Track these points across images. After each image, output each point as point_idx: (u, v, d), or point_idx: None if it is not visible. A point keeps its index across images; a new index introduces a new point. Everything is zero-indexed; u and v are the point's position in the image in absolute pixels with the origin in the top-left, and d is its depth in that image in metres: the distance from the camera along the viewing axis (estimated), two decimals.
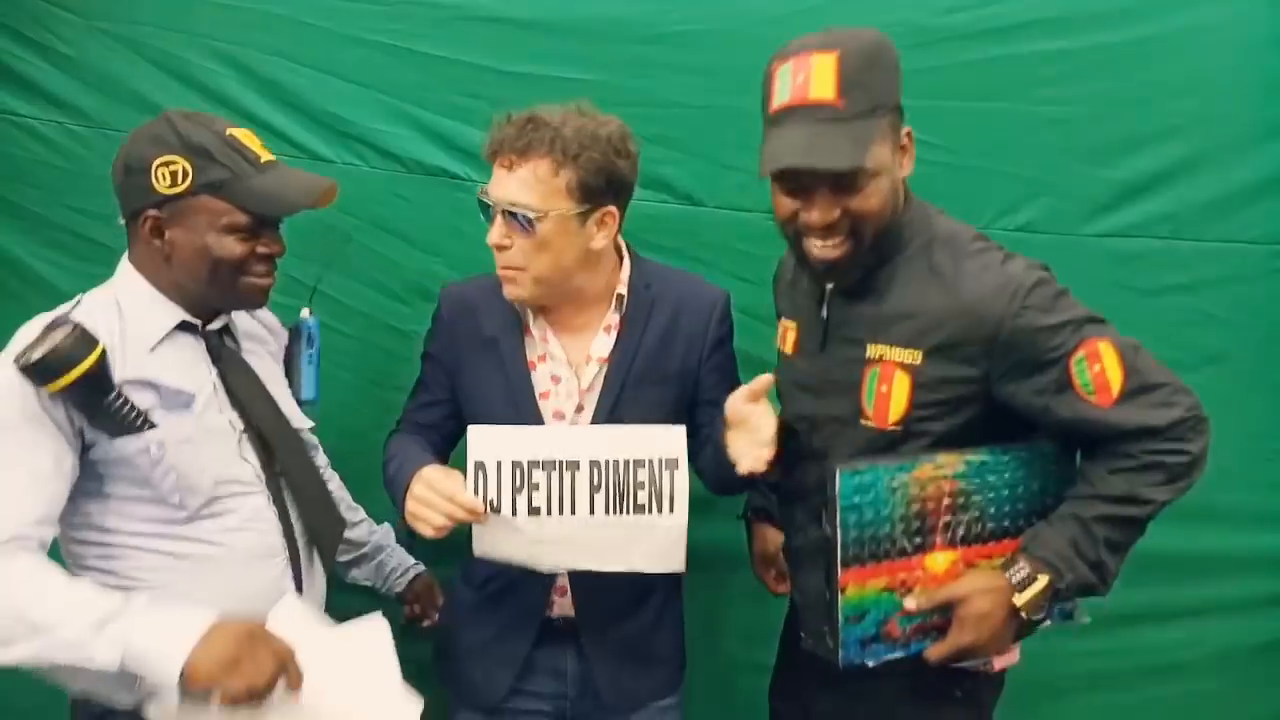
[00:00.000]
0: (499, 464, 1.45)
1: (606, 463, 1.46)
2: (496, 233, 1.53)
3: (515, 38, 1.94)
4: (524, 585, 1.64)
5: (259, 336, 1.61)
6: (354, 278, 1.99)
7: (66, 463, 1.32)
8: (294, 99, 1.96)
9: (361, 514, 1.81)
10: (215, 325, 1.48)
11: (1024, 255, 1.42)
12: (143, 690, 1.28)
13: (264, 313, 1.64)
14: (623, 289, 1.63)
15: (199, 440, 1.39)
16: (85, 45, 1.93)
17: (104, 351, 1.31)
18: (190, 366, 1.43)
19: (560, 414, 1.63)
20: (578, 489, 1.45)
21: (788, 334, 1.60)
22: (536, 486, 1.44)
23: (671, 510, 1.46)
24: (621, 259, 1.66)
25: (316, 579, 1.54)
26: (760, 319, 1.82)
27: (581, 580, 1.62)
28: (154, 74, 1.94)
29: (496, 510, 1.45)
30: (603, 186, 1.52)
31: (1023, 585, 1.37)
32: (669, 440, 1.47)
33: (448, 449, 1.75)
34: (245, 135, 1.44)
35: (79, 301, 1.41)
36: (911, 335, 1.39)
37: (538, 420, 1.60)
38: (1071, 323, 1.35)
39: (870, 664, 1.42)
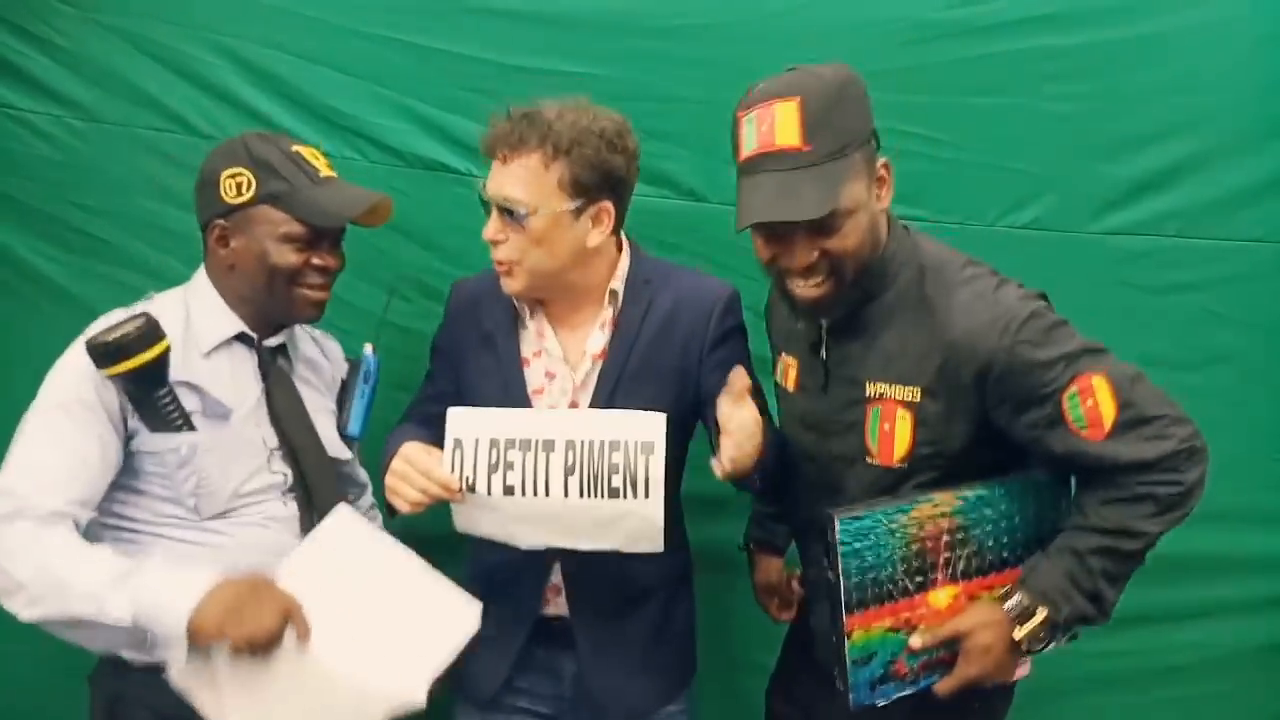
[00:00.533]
0: (476, 441, 1.45)
1: (582, 444, 1.44)
2: (491, 227, 1.53)
3: (515, 31, 1.93)
4: (518, 583, 1.63)
5: (317, 365, 1.68)
6: (352, 272, 1.96)
7: (112, 451, 1.40)
8: (292, 92, 1.94)
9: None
10: (272, 342, 1.56)
11: (1018, 283, 1.40)
12: (153, 646, 1.32)
13: (331, 343, 1.73)
14: (617, 284, 1.62)
15: (228, 452, 1.46)
16: (84, 39, 1.91)
17: (168, 347, 1.40)
18: (238, 377, 1.51)
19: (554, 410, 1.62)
20: (551, 470, 1.44)
21: (789, 371, 1.60)
22: (511, 466, 1.44)
23: (647, 495, 1.44)
24: (622, 252, 1.65)
25: None
26: (759, 315, 1.81)
27: (576, 579, 1.61)
28: (152, 67, 1.93)
29: (473, 489, 1.45)
30: (597, 182, 1.50)
31: (1021, 618, 1.38)
32: (648, 425, 1.44)
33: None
34: (310, 152, 1.54)
35: (152, 297, 1.52)
36: (907, 372, 1.40)
37: None
38: (1065, 357, 1.34)
39: (880, 704, 1.43)
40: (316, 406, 1.62)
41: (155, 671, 1.35)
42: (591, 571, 1.55)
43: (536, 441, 1.45)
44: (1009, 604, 1.39)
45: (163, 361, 1.40)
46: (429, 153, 1.97)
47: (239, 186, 1.48)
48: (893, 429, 1.42)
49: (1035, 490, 1.46)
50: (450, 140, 1.97)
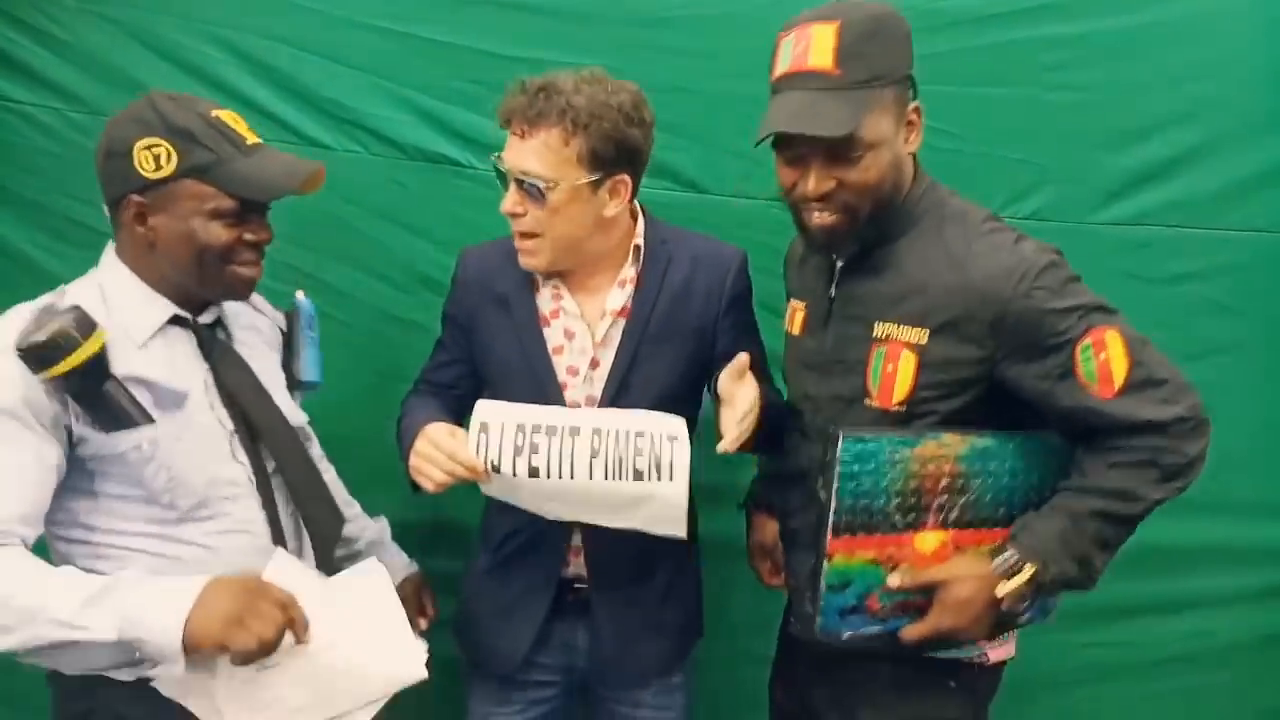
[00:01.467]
0: (503, 426, 1.46)
1: (607, 430, 1.45)
2: (510, 200, 1.52)
3: (517, 22, 1.92)
4: (541, 545, 1.64)
5: (253, 325, 1.56)
6: (353, 265, 1.98)
7: (52, 460, 1.28)
8: (293, 85, 1.94)
9: (356, 508, 1.78)
10: (206, 318, 1.44)
11: (1037, 238, 1.40)
12: (144, 660, 1.26)
13: (258, 299, 1.61)
14: (639, 240, 1.63)
15: (190, 439, 1.36)
16: (82, 31, 1.91)
17: (105, 338, 1.28)
18: (181, 362, 1.39)
19: (574, 370, 1.62)
20: (577, 454, 1.45)
21: (795, 314, 1.59)
22: (536, 449, 1.45)
23: (671, 479, 1.45)
24: (636, 219, 1.66)
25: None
26: (764, 307, 1.80)
27: (596, 540, 1.62)
28: (151, 59, 1.92)
29: (498, 470, 1.45)
30: (614, 155, 1.51)
31: (1008, 574, 1.36)
32: (671, 422, 1.46)
33: (463, 409, 1.73)
34: (230, 117, 1.39)
35: (63, 291, 1.36)
36: (918, 313, 1.38)
37: (550, 375, 1.61)
38: (1080, 308, 1.33)
39: (846, 634, 1.42)
40: (267, 373, 1.51)
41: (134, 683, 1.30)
42: (611, 532, 1.56)
43: (563, 428, 1.46)
44: (997, 560, 1.36)
45: (103, 354, 1.28)
46: (429, 144, 1.97)
47: (157, 159, 1.32)
48: (895, 370, 1.40)
49: (1045, 454, 1.43)
50: (450, 132, 1.96)
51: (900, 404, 1.40)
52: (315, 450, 1.71)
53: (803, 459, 1.52)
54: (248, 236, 1.39)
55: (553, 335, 1.63)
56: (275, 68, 1.93)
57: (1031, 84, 1.96)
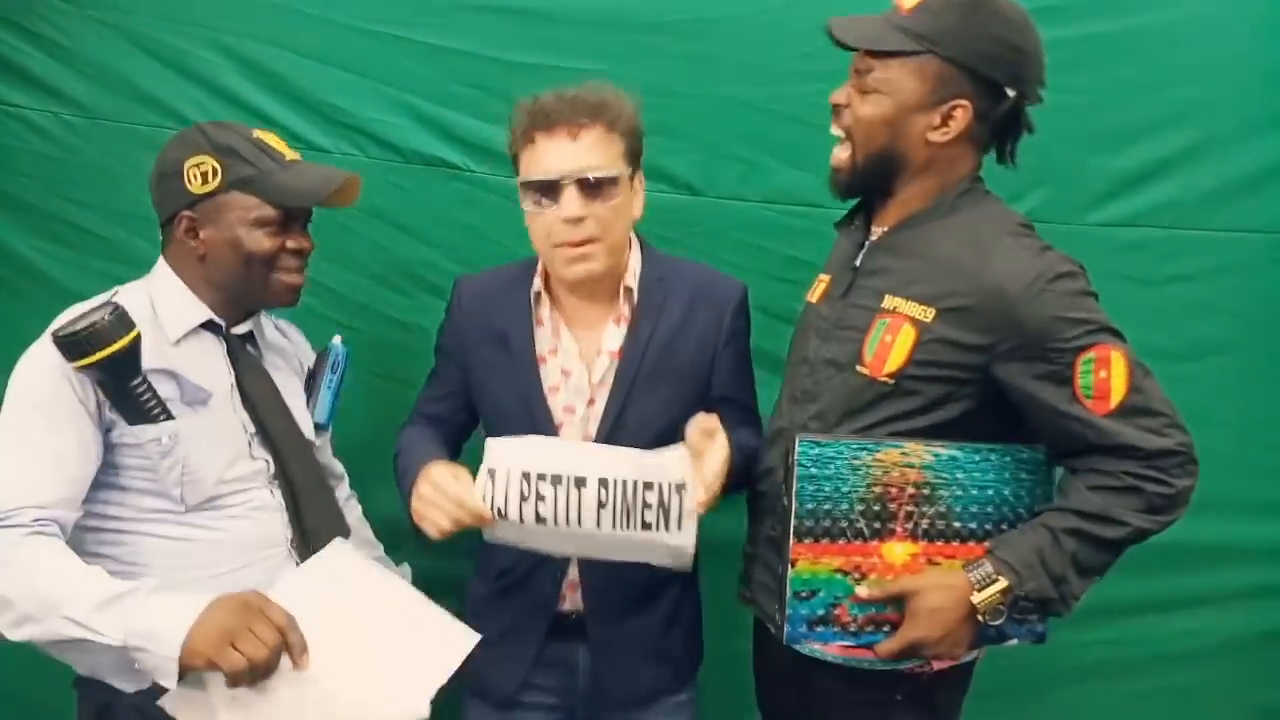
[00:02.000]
0: (509, 472, 1.43)
1: (615, 482, 1.43)
2: (574, 205, 1.48)
3: (515, 26, 1.92)
4: (536, 579, 1.64)
5: (283, 350, 1.66)
6: (351, 268, 1.98)
7: (92, 446, 1.37)
8: (291, 88, 1.94)
9: (379, 550, 1.79)
10: (240, 329, 1.53)
11: (1062, 251, 1.39)
12: (142, 673, 1.28)
13: (295, 331, 1.71)
14: (631, 281, 1.61)
15: (209, 437, 1.44)
16: (80, 35, 1.91)
17: (138, 336, 1.37)
18: (209, 364, 1.48)
19: (571, 408, 1.61)
20: (584, 504, 1.42)
21: (819, 285, 1.59)
22: (543, 498, 1.42)
23: (680, 528, 1.43)
24: (630, 247, 1.64)
25: None
26: (760, 310, 1.81)
27: (593, 575, 1.62)
28: (149, 63, 1.92)
29: (504, 516, 1.43)
30: (638, 150, 1.56)
31: (981, 585, 1.34)
32: (678, 465, 1.44)
33: (460, 440, 1.74)
34: (270, 137, 1.52)
35: (116, 292, 1.48)
36: (931, 292, 1.38)
37: (545, 414, 1.59)
38: (1090, 322, 1.32)
39: (817, 645, 1.40)
40: (288, 390, 1.59)
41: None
42: (608, 567, 1.55)
43: (569, 478, 1.42)
44: (973, 571, 1.35)
45: (134, 350, 1.37)
46: (427, 148, 1.97)
47: (204, 175, 1.45)
48: (893, 340, 1.39)
49: (1016, 466, 1.41)
50: (449, 136, 1.97)
51: (889, 375, 1.39)
52: (344, 491, 1.76)
53: (784, 420, 1.53)
54: (290, 244, 1.50)
55: (550, 374, 1.61)
56: (273, 72, 1.93)
57: None
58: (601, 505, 1.42)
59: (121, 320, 1.35)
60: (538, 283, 1.63)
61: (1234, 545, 2.13)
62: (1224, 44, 1.99)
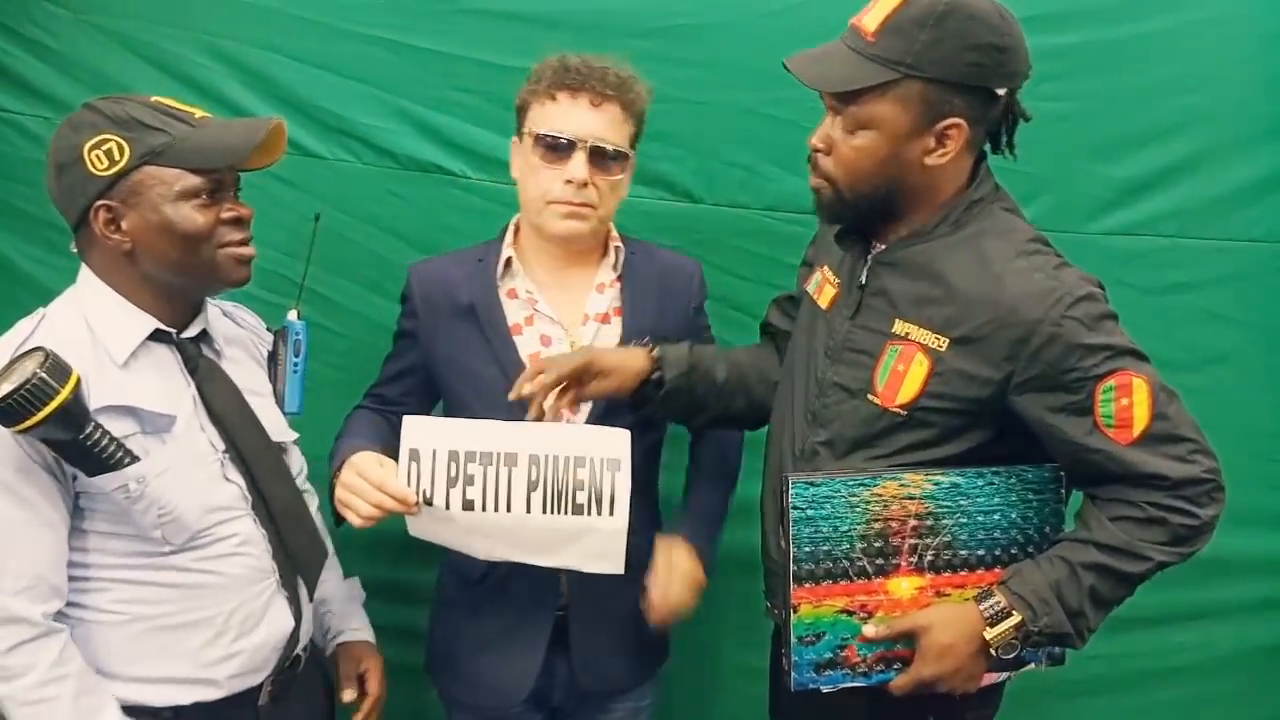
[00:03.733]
0: (434, 452, 1.40)
1: (546, 458, 1.41)
2: (583, 170, 1.51)
3: (511, 32, 1.91)
4: (530, 573, 1.60)
5: (238, 340, 1.51)
6: (347, 275, 1.97)
7: (63, 507, 1.26)
8: (287, 94, 1.93)
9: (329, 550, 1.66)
10: (191, 332, 1.38)
11: (1081, 269, 1.34)
12: None
13: (244, 312, 1.58)
14: (618, 243, 1.65)
15: (180, 467, 1.31)
16: (76, 40, 1.90)
17: (79, 381, 1.20)
18: (166, 381, 1.34)
19: None
20: (514, 485, 1.40)
21: (825, 288, 1.50)
22: (471, 480, 1.40)
23: (611, 513, 1.41)
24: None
25: (303, 599, 1.47)
26: (757, 317, 1.80)
27: None
28: (145, 69, 1.91)
29: (429, 502, 1.40)
30: (638, 137, 1.59)
31: (994, 620, 1.30)
32: (613, 441, 1.42)
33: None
34: (172, 100, 1.35)
35: (43, 316, 1.31)
36: (943, 320, 1.31)
37: None
38: (1111, 348, 1.26)
39: (826, 690, 1.36)
40: (252, 386, 1.46)
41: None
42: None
43: (498, 455, 1.40)
44: (985, 605, 1.30)
45: (78, 400, 1.19)
46: (423, 154, 1.95)
47: (109, 154, 1.26)
48: (906, 370, 1.33)
49: (1022, 488, 1.37)
50: (444, 142, 1.95)
51: (902, 407, 1.34)
52: (302, 482, 1.64)
53: (788, 432, 1.50)
54: (226, 214, 1.32)
55: (527, 342, 1.60)
56: (269, 77, 1.92)
57: (1027, 94, 1.93)
58: (532, 487, 1.40)
59: (57, 369, 1.17)
60: (509, 251, 1.62)
61: (1237, 558, 2.11)
62: (1225, 53, 1.98)
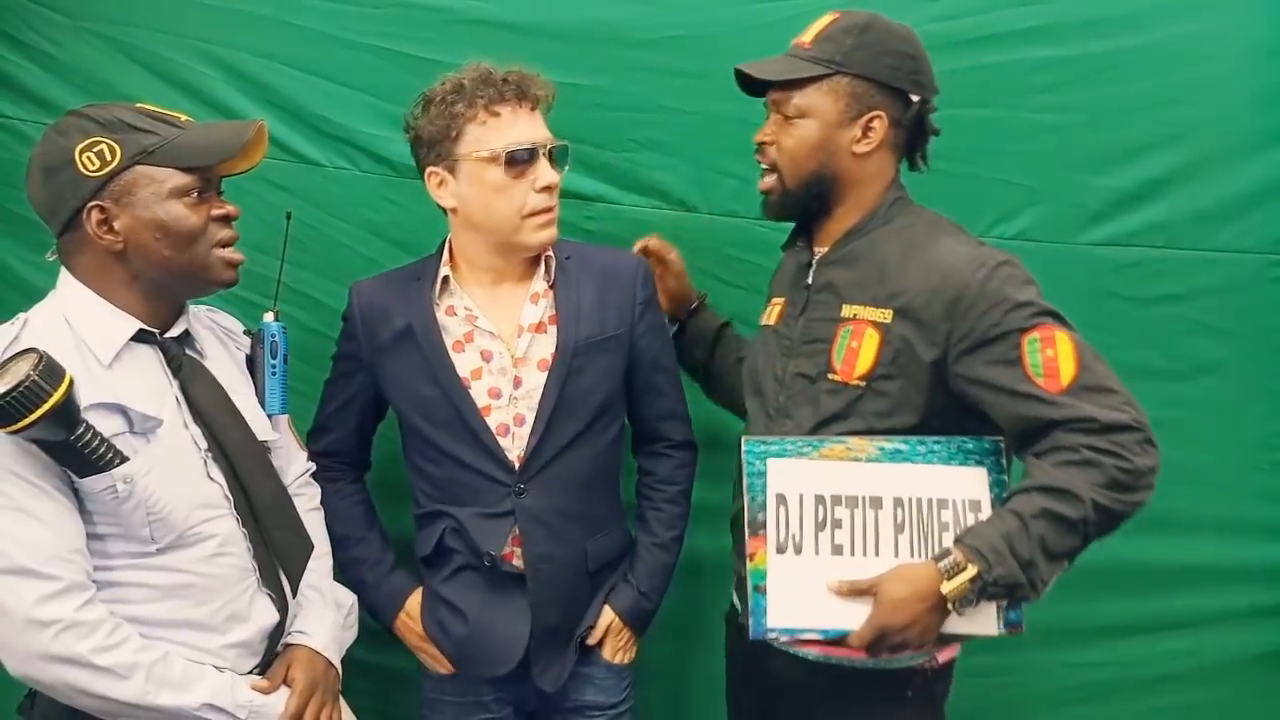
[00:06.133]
0: (800, 497, 1.41)
1: (910, 500, 1.41)
2: (552, 172, 1.56)
3: (507, 41, 1.92)
4: (484, 538, 1.64)
5: (219, 340, 1.53)
6: (344, 282, 1.96)
7: (70, 496, 1.28)
8: (284, 102, 1.94)
9: (326, 550, 1.65)
10: (174, 332, 1.40)
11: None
12: None
13: (222, 316, 1.59)
14: (548, 251, 1.65)
15: (166, 465, 1.32)
16: (74, 47, 1.91)
17: (72, 382, 1.21)
18: (150, 381, 1.35)
19: (496, 391, 1.62)
20: (881, 528, 1.40)
21: (774, 309, 1.64)
22: (839, 524, 1.40)
23: None
24: None
25: (288, 594, 1.48)
26: (750, 325, 1.81)
27: (541, 564, 1.64)
28: (143, 76, 1.92)
29: (799, 550, 1.40)
30: None
31: (950, 573, 1.34)
32: (973, 482, 1.43)
33: (366, 457, 1.81)
34: (154, 107, 1.40)
35: (26, 322, 1.32)
36: (885, 295, 1.45)
37: (468, 401, 1.60)
38: (1032, 305, 1.37)
39: (782, 639, 1.42)
40: (236, 387, 1.47)
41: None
42: (555, 556, 1.64)
43: (864, 498, 1.41)
44: (942, 562, 1.35)
45: (70, 400, 1.20)
46: None
47: (101, 156, 1.29)
48: (859, 346, 1.45)
49: (963, 457, 1.43)
50: None
51: (861, 378, 1.45)
52: (304, 479, 1.67)
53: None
54: (215, 212, 1.36)
55: (467, 360, 1.62)
56: (266, 84, 1.93)
57: (1018, 106, 1.98)
58: (899, 529, 1.40)
59: (50, 370, 1.18)
60: (445, 269, 1.64)
61: (1228, 566, 2.11)
62: (1216, 64, 1.99)
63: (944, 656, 1.52)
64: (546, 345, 1.63)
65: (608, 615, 1.72)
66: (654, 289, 1.75)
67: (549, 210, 1.56)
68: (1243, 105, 2.01)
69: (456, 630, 1.69)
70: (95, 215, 1.31)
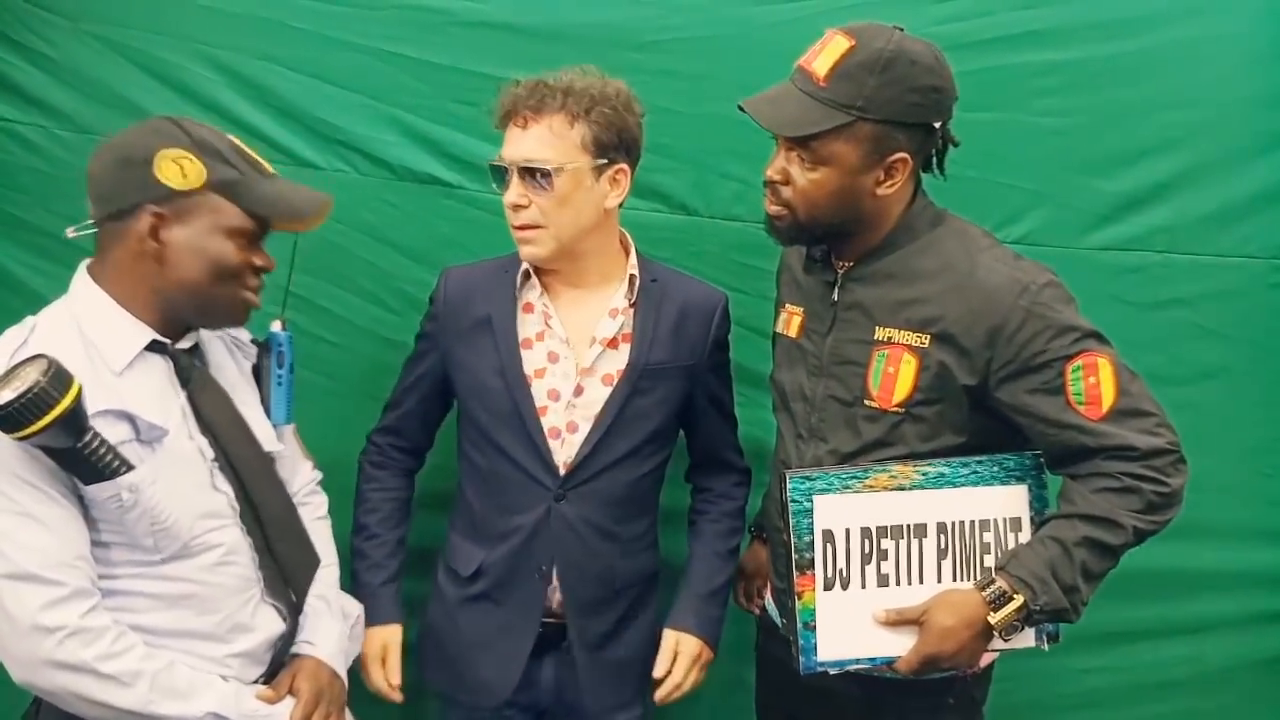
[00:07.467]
0: (847, 531, 1.41)
1: (952, 525, 1.42)
2: (514, 192, 1.53)
3: (507, 43, 1.92)
4: (518, 580, 1.65)
5: (226, 348, 1.52)
6: (342, 286, 1.96)
7: (76, 502, 1.27)
8: (282, 104, 1.93)
9: (336, 569, 1.62)
10: (184, 344, 1.40)
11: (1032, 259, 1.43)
12: None
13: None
14: (634, 270, 1.65)
15: (171, 475, 1.31)
16: (71, 48, 1.90)
17: (80, 389, 1.20)
18: (159, 390, 1.35)
19: (555, 394, 1.62)
20: (925, 556, 1.42)
21: (793, 319, 1.60)
22: (885, 555, 1.41)
23: None
24: (627, 247, 1.68)
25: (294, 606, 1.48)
26: (754, 330, 1.81)
27: (570, 573, 1.64)
28: (140, 78, 1.91)
29: (845, 585, 1.41)
30: (615, 142, 1.54)
31: (997, 604, 1.36)
32: (1013, 500, 1.44)
33: (425, 449, 1.80)
34: (245, 145, 1.41)
35: (34, 326, 1.30)
36: (921, 319, 1.41)
37: (527, 396, 1.61)
38: (1076, 329, 1.35)
39: (833, 672, 1.42)
40: (243, 397, 1.47)
41: None
42: (586, 564, 1.62)
43: (908, 527, 1.42)
44: (987, 591, 1.37)
45: (79, 407, 1.19)
46: (420, 166, 1.96)
47: (183, 169, 1.29)
48: (896, 371, 1.42)
49: (1004, 475, 1.44)
50: (441, 153, 1.95)
51: (899, 405, 1.43)
52: (315, 493, 1.66)
53: (792, 459, 1.54)
54: (257, 261, 1.38)
55: (535, 357, 1.62)
56: (265, 87, 1.92)
57: (1022, 109, 1.97)
58: (942, 555, 1.42)
59: (59, 377, 1.17)
60: (528, 264, 1.64)
61: (1231, 571, 2.11)
62: (1221, 68, 1.99)
63: (983, 661, 1.52)
64: (615, 361, 1.63)
65: (670, 637, 1.68)
66: (729, 328, 1.73)
67: (518, 229, 1.56)
68: (1246, 109, 2.01)
69: (456, 643, 1.69)
70: (150, 219, 1.30)
